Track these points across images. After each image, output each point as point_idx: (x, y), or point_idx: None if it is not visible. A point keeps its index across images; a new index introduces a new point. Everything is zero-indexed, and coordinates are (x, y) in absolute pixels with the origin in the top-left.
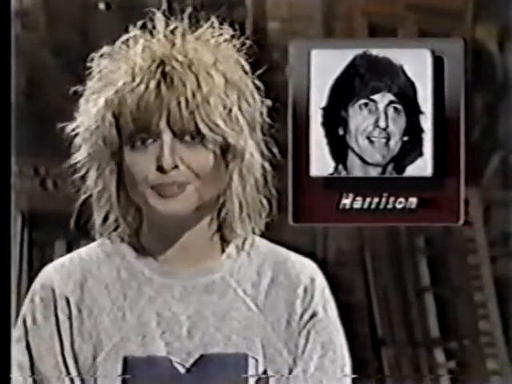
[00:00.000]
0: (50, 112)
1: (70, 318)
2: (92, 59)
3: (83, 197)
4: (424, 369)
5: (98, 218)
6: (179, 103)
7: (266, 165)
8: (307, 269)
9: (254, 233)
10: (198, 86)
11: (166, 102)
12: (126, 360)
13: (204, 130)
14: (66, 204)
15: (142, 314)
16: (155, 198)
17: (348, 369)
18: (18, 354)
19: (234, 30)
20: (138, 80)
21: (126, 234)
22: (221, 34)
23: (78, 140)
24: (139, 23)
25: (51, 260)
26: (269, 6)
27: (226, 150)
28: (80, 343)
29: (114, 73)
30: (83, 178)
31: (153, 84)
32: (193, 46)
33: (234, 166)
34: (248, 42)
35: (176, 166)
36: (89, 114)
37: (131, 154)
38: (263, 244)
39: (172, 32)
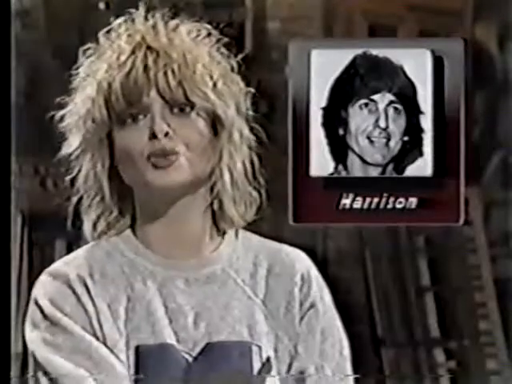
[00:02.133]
0: (49, 112)
1: (89, 294)
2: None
3: (77, 197)
4: (424, 369)
5: (88, 223)
6: (166, 73)
7: (253, 155)
8: (301, 258)
9: (244, 222)
10: (184, 57)
11: (154, 73)
12: (138, 349)
13: (193, 97)
14: (66, 204)
15: (150, 305)
16: (151, 172)
17: (346, 351)
18: (42, 334)
19: (214, 27)
20: (123, 58)
21: (122, 230)
22: (200, 30)
23: (68, 129)
24: (121, 19)
25: (51, 260)
26: (269, 6)
27: (215, 123)
28: (103, 318)
29: (100, 59)
30: (75, 178)
31: (139, 58)
32: (175, 31)
33: (224, 141)
34: (226, 40)
35: (167, 134)
36: (77, 102)
37: (122, 132)
38: (255, 238)
39: (154, 24)
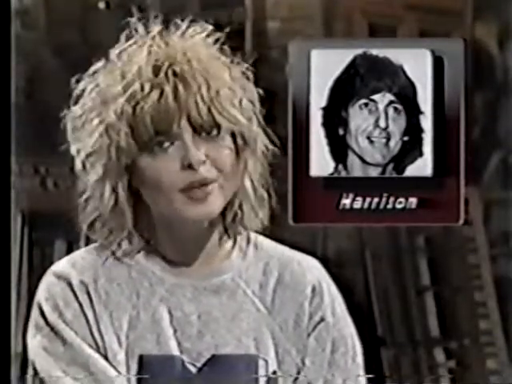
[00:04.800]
0: (49, 112)
1: (91, 303)
2: (78, 80)
3: (92, 217)
4: (424, 368)
5: (101, 240)
6: (196, 101)
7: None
8: (313, 268)
9: (261, 225)
10: (206, 79)
11: (184, 101)
12: (141, 358)
13: (223, 122)
14: (66, 204)
15: (156, 313)
16: (184, 203)
17: (360, 358)
18: (43, 340)
19: (208, 23)
20: (148, 86)
21: (140, 246)
22: (200, 32)
23: (86, 162)
24: (123, 34)
25: (51, 260)
26: (269, 6)
27: (237, 143)
28: (104, 329)
29: (113, 86)
30: (89, 198)
31: (168, 87)
32: (188, 45)
33: (247, 156)
34: (223, 35)
35: (203, 162)
36: (96, 134)
37: (150, 160)
38: (266, 243)
39: (159, 34)
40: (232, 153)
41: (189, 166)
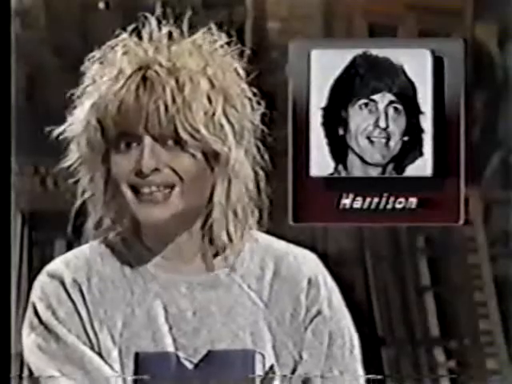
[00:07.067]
0: (50, 112)
1: (84, 301)
2: (89, 59)
3: (78, 202)
4: (424, 368)
5: (91, 222)
6: (158, 107)
7: (260, 172)
8: (309, 261)
9: (237, 244)
10: (179, 90)
11: (145, 105)
12: (137, 356)
13: (184, 135)
14: (66, 203)
15: (150, 310)
16: (136, 204)
17: (357, 350)
18: (37, 339)
19: (230, 36)
20: (119, 84)
21: (124, 235)
22: (216, 40)
23: (68, 143)
24: (130, 27)
25: (51, 260)
26: (269, 6)
27: (209, 156)
28: (98, 326)
29: (101, 77)
30: (77, 182)
31: (132, 87)
32: (179, 51)
33: (218, 173)
34: (244, 48)
35: (157, 169)
36: (76, 119)
37: (115, 157)
38: (262, 237)
39: (162, 36)
40: (198, 164)
41: (139, 172)
